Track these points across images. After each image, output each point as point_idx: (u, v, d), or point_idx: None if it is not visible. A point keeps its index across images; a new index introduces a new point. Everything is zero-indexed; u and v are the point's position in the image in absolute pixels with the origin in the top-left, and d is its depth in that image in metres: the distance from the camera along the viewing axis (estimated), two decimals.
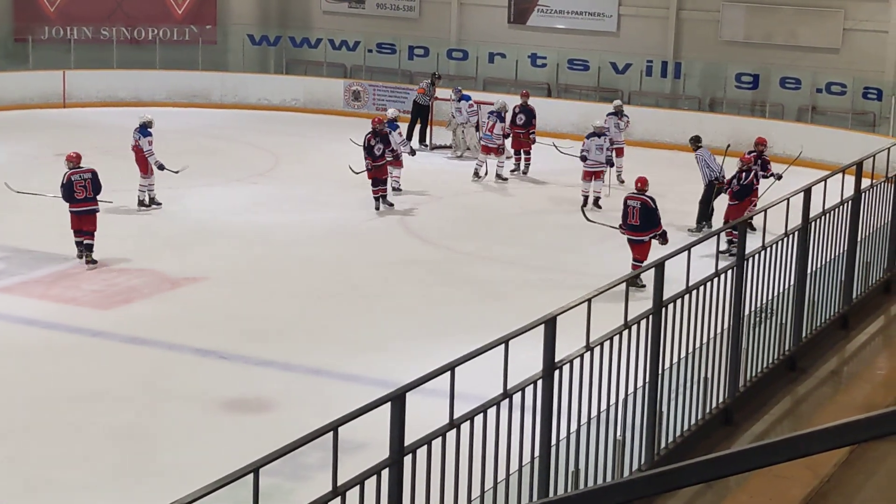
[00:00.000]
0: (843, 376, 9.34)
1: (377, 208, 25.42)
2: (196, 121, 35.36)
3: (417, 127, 33.01)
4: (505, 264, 22.82)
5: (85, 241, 21.57)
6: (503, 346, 6.34)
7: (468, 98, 32.12)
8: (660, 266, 7.56)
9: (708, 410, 8.42)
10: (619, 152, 29.05)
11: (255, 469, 5.03)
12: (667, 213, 25.62)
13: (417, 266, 22.61)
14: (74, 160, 21.69)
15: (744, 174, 22.89)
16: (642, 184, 21.33)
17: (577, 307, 7.01)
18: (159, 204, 25.53)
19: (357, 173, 26.08)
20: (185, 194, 26.42)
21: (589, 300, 6.90)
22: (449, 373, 5.97)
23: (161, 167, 25.15)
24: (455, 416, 6.16)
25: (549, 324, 6.60)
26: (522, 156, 29.96)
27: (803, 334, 9.51)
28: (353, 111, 37.45)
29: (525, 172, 29.64)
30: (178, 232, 23.82)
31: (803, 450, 2.55)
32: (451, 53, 38.90)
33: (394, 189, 27.22)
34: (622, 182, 27.99)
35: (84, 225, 21.58)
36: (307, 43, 40.29)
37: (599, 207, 26.18)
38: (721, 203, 23.72)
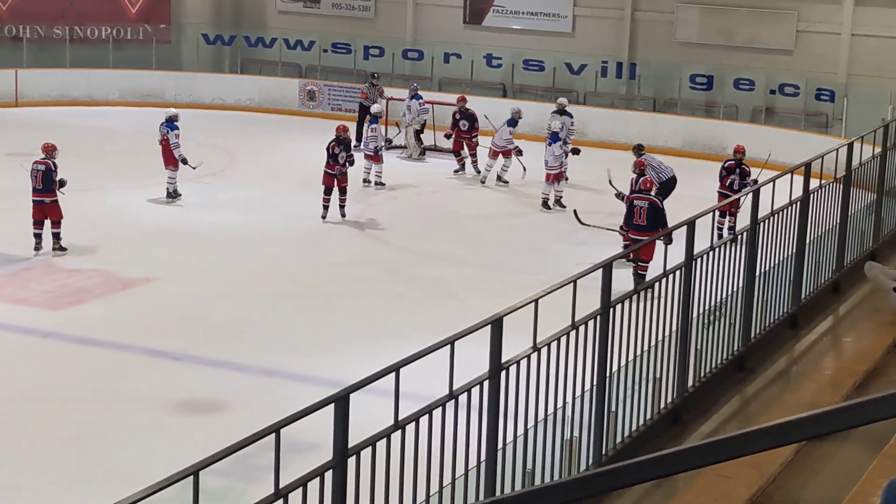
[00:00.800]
0: (791, 376, 9.38)
1: (323, 217, 25.05)
2: (150, 120, 35.00)
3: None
4: (459, 264, 22.83)
5: (52, 230, 21.91)
6: (450, 346, 6.32)
7: (420, 97, 32.09)
8: (607, 266, 7.57)
9: (657, 410, 8.43)
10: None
11: (196, 470, 4.99)
12: (621, 214, 25.78)
13: (371, 266, 22.58)
14: (43, 150, 22.17)
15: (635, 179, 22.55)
16: (650, 184, 21.45)
17: (525, 307, 7.00)
18: (179, 195, 26.33)
19: (194, 168, 26.50)
20: (139, 194, 26.29)
21: (536, 300, 6.90)
22: (394, 373, 5.94)
23: (184, 161, 26.13)
24: (400, 417, 6.14)
25: (496, 324, 6.58)
26: (468, 159, 30.03)
27: (752, 335, 9.54)
28: (308, 111, 37.38)
29: (479, 174, 29.69)
30: (130, 232, 23.68)
31: (749, 448, 2.56)
32: (407, 53, 38.87)
33: (377, 184, 27.92)
34: (566, 180, 28.14)
35: (36, 215, 21.85)
36: (262, 42, 40.15)
37: (563, 207, 26.29)
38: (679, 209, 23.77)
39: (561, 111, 29.66)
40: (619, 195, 22.52)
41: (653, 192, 21.28)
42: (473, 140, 30.03)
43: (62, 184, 22.07)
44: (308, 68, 39.40)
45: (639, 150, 25.87)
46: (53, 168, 22.08)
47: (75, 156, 25.67)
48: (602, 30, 36.88)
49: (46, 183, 21.90)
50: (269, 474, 12.15)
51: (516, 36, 37.76)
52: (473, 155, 30.13)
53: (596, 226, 22.70)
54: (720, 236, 9.31)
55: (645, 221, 20.72)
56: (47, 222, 21.97)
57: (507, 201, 27.35)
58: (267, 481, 12.09)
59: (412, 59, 38.82)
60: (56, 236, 22.00)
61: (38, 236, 21.93)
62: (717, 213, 19.84)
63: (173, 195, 26.36)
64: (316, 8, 40.19)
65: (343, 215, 25.16)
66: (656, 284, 8.28)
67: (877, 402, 2.45)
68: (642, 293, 8.33)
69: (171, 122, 26.47)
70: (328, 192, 25.07)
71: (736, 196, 18.85)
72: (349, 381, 15.85)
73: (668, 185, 25.16)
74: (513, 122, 29.03)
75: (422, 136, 32.11)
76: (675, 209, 23.73)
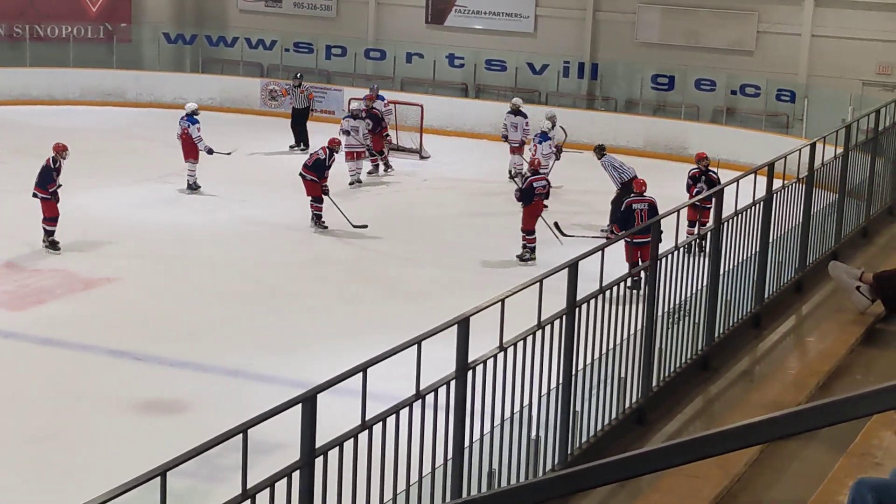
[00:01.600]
0: (755, 376, 9.41)
1: (324, 225, 24.88)
2: (111, 119, 35.01)
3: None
4: (420, 264, 22.84)
5: (42, 225, 22.19)
6: (416, 346, 6.31)
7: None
8: (573, 266, 7.57)
9: (622, 410, 8.45)
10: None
11: (164, 471, 4.97)
12: (582, 213, 25.88)
13: (333, 265, 22.57)
14: (53, 149, 22.54)
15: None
16: (645, 186, 21.56)
17: (491, 307, 7.00)
18: (199, 187, 27.20)
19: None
20: (101, 193, 26.17)
21: (502, 300, 6.90)
22: (361, 373, 5.93)
23: (210, 151, 27.17)
24: (367, 418, 6.13)
25: (462, 324, 6.58)
26: (379, 157, 30.09)
27: (716, 334, 9.57)
28: (269, 110, 37.26)
29: (386, 171, 29.99)
30: (92, 232, 23.55)
31: (716, 449, 2.56)
32: (369, 53, 38.83)
33: (360, 181, 28.39)
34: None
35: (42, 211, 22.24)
36: (223, 42, 40.03)
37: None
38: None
39: (515, 111, 29.72)
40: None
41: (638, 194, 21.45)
42: (385, 137, 29.91)
43: (55, 193, 22.23)
44: (270, 68, 39.30)
45: (600, 150, 25.96)
46: (53, 166, 22.24)
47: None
48: (564, 30, 36.95)
49: (41, 179, 22.19)
50: (232, 474, 12.11)
51: (478, 36, 37.78)
52: (381, 152, 30.02)
53: (579, 235, 22.67)
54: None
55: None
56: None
57: (470, 201, 27.33)
58: (230, 481, 12.07)
59: (374, 59, 38.78)
60: (46, 233, 22.18)
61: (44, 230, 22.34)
62: (687, 223, 19.78)
63: (194, 187, 27.22)
64: (278, 7, 40.10)
65: (322, 224, 24.87)
66: (621, 284, 8.29)
67: (844, 402, 2.46)
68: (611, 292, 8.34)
69: (191, 117, 27.49)
70: (319, 200, 24.89)
71: (693, 200, 18.74)
72: (312, 380, 15.80)
73: (629, 186, 25.26)
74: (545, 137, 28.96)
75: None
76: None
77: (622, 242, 18.90)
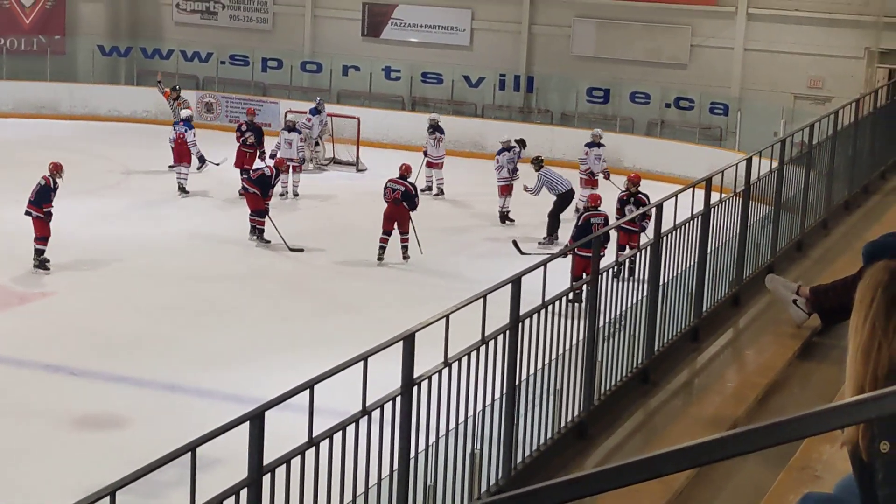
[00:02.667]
0: (695, 389, 9.50)
1: (265, 240, 24.74)
2: (44, 132, 34.72)
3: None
4: (357, 277, 22.84)
5: (34, 245, 22.14)
6: (363, 362, 6.33)
7: (315, 112, 31.97)
8: (516, 281, 7.62)
9: (563, 424, 8.50)
10: (438, 166, 29.35)
11: (112, 492, 4.96)
12: (521, 226, 26.00)
13: (271, 279, 22.53)
14: (50, 169, 22.71)
15: None
16: (600, 200, 21.70)
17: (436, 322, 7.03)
18: (188, 193, 28.13)
19: (217, 164, 27.90)
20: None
21: (447, 316, 6.93)
22: (308, 390, 5.95)
23: (202, 158, 28.41)
24: (314, 434, 6.14)
25: (408, 340, 6.61)
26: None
27: (656, 347, 9.65)
28: (205, 123, 37.07)
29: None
30: (26, 246, 23.32)
31: (658, 470, 2.59)
32: (305, 66, 38.80)
33: (296, 194, 28.46)
34: (437, 194, 28.36)
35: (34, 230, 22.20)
36: (159, 54, 39.83)
37: (512, 221, 26.43)
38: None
39: (434, 127, 29.82)
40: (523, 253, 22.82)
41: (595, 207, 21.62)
42: (260, 156, 28.94)
43: (49, 213, 22.23)
44: (205, 80, 39.16)
45: (538, 162, 26.10)
46: (53, 187, 22.24)
47: None
48: (500, 43, 37.09)
49: (38, 198, 22.13)
50: (169, 490, 12.12)
51: (414, 49, 37.84)
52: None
53: (536, 253, 22.66)
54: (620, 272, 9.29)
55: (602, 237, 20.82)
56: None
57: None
58: (168, 498, 12.04)
59: (310, 72, 38.75)
60: (38, 252, 22.05)
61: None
62: (616, 246, 19.81)
63: (184, 191, 28.13)
64: (213, 20, 39.98)
65: (264, 239, 24.82)
66: (563, 298, 8.34)
67: (794, 421, 2.50)
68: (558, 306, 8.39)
69: (187, 122, 28.83)
70: (262, 214, 24.83)
71: (621, 222, 18.71)
72: (249, 394, 15.77)
73: (565, 198, 25.45)
74: (593, 144, 28.92)
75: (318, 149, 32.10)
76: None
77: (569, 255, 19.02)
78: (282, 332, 19.44)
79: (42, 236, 22.04)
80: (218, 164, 28.54)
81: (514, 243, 23.46)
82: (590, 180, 27.90)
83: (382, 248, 23.63)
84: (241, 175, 28.02)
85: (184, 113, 29.38)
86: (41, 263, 22.00)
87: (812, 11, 33.26)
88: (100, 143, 33.54)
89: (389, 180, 23.82)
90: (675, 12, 34.88)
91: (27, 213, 22.15)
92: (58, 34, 39.40)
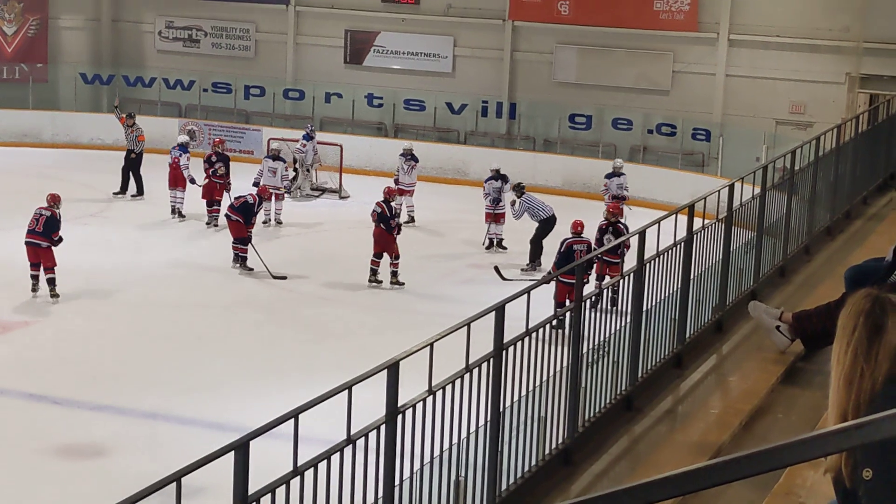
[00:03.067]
0: (679, 415, 9.50)
1: (248, 267, 24.72)
2: (27, 160, 34.66)
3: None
4: (340, 304, 22.83)
5: (46, 276, 22.01)
6: (347, 391, 6.33)
7: (308, 138, 32.03)
8: (500, 309, 7.63)
9: (548, 451, 8.50)
10: (409, 193, 29.36)
11: None
12: (507, 253, 26.03)
13: (253, 306, 22.49)
14: (49, 200, 22.73)
15: None
16: (582, 227, 21.64)
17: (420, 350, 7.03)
18: (184, 217, 28.58)
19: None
20: (17, 235, 25.86)
21: (431, 344, 6.94)
22: (293, 420, 5.94)
23: (193, 181, 28.36)
24: (299, 463, 6.13)
25: (392, 369, 6.61)
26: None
27: (639, 374, 9.66)
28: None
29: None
30: (8, 274, 23.27)
31: (646, 498, 2.60)
32: (288, 93, 38.83)
33: (279, 222, 28.48)
34: (407, 222, 28.36)
35: (31, 257, 22.13)
36: (141, 82, 39.84)
37: (504, 248, 26.45)
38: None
39: (406, 154, 29.87)
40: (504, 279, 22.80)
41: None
42: (227, 186, 28.30)
43: (60, 240, 22.24)
44: (188, 108, 39.17)
45: (519, 189, 26.15)
46: (59, 218, 22.33)
47: None
48: (482, 70, 37.18)
49: (47, 229, 22.11)
50: None
51: (397, 76, 37.91)
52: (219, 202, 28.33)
53: (518, 279, 22.56)
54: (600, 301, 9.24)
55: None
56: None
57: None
58: None
59: (293, 99, 38.79)
60: (51, 282, 22.01)
61: (34, 278, 22.08)
62: (595, 276, 19.78)
63: (179, 214, 28.59)
64: (196, 47, 40.01)
65: (247, 267, 24.89)
66: (546, 325, 8.36)
67: (777, 449, 2.51)
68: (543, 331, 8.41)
69: (183, 147, 29.09)
70: (245, 241, 24.85)
71: (599, 252, 18.65)
72: (231, 422, 15.71)
73: (547, 224, 25.47)
74: (613, 175, 29.09)
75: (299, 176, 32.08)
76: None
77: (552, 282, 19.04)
78: (266, 359, 19.40)
79: (52, 266, 22.03)
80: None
81: (497, 269, 23.45)
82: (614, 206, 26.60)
83: (373, 271, 23.67)
84: (208, 207, 28.00)
85: (181, 138, 29.81)
86: (55, 293, 21.99)
87: (793, 37, 33.42)
88: (82, 171, 33.49)
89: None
90: (657, 38, 35.01)
91: (34, 245, 22.11)
92: (40, 62, 39.37)
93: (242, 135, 36.68)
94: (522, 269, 25.02)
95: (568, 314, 8.82)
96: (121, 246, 26.14)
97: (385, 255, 23.78)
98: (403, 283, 23.73)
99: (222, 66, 39.51)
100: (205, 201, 28.19)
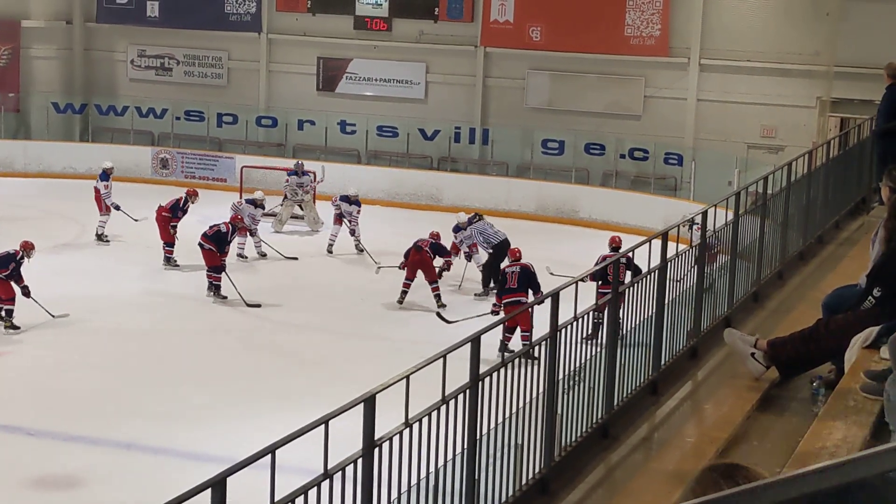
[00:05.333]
0: (654, 443, 9.50)
1: (222, 295, 24.71)
2: None
3: None
4: (315, 332, 22.81)
5: (4, 307, 22.02)
6: (324, 425, 6.32)
7: (306, 174, 31.74)
8: (476, 340, 7.64)
9: (524, 481, 8.49)
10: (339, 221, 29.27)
11: None
12: (466, 278, 26.01)
13: (227, 335, 22.46)
14: (21, 246, 22.55)
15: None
16: (520, 254, 21.75)
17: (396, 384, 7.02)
18: (108, 241, 28.77)
19: (136, 220, 27.89)
20: None
21: (407, 377, 6.94)
22: (270, 455, 5.93)
23: (117, 207, 28.70)
24: (276, 499, 6.12)
25: (368, 402, 6.61)
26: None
27: (615, 401, 9.67)
28: (161, 179, 37.03)
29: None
30: None
31: None
32: (261, 121, 38.83)
33: (240, 256, 27.79)
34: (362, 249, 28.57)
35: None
36: (113, 110, 39.77)
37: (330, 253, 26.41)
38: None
39: (349, 199, 29.41)
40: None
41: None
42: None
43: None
44: (161, 136, 39.12)
45: (473, 218, 26.16)
46: (18, 259, 22.16)
47: None
48: (454, 96, 37.26)
49: (3, 261, 21.99)
50: None
51: (370, 103, 37.94)
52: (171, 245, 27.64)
53: (463, 319, 22.22)
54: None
55: (516, 284, 21.07)
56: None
57: (366, 269, 27.29)
58: None
59: (266, 126, 38.79)
60: (8, 313, 21.92)
61: None
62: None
63: (101, 238, 28.86)
64: (168, 76, 39.97)
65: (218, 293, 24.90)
66: (522, 356, 8.36)
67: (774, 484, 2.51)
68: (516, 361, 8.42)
69: (103, 173, 29.29)
70: (219, 270, 24.86)
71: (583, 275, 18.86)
72: (206, 452, 15.65)
73: (500, 248, 25.45)
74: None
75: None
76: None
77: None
78: (240, 387, 19.36)
79: (9, 297, 21.94)
80: (136, 220, 28.53)
81: (438, 315, 22.98)
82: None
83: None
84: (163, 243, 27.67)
85: (104, 164, 30.08)
86: (12, 325, 21.92)
87: (764, 62, 33.61)
88: (55, 200, 33.40)
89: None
90: (629, 64, 35.15)
91: None
92: (12, 91, 39.28)
93: (215, 163, 36.65)
94: (476, 295, 25.10)
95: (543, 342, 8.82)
96: (94, 274, 26.06)
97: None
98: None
99: (195, 94, 39.47)
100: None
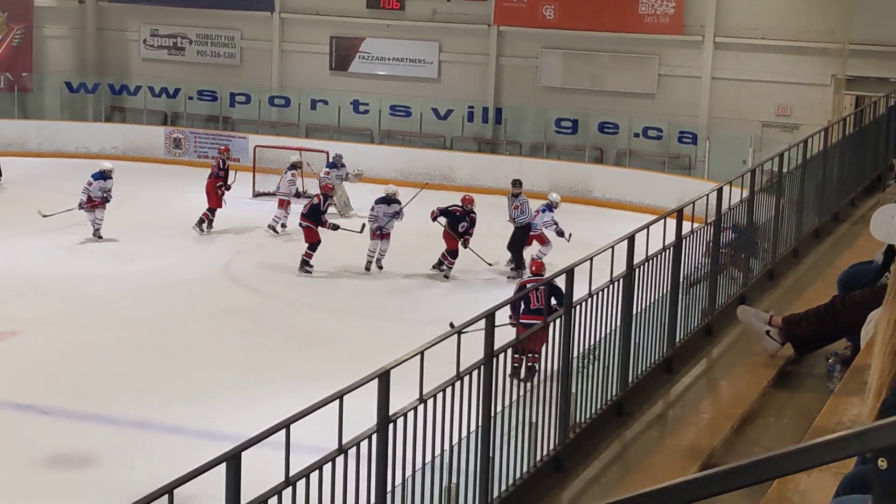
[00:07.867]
0: (669, 420, 9.48)
1: (307, 270, 25.28)
2: (12, 170, 34.53)
3: None
4: (328, 311, 22.80)
5: None
6: (338, 400, 6.30)
7: (332, 166, 31.68)
8: (490, 316, 7.61)
9: (539, 458, 8.47)
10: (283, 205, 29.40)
11: None
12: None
13: (239, 314, 22.44)
14: None
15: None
16: (539, 268, 21.15)
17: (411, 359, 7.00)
18: (101, 237, 27.47)
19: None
20: (1, 245, 25.82)
21: (422, 353, 6.91)
22: (285, 430, 5.91)
23: (81, 206, 27.52)
24: (291, 474, 6.10)
25: (383, 378, 6.58)
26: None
27: (630, 379, 9.63)
28: (174, 158, 37.08)
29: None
30: None
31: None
32: (273, 100, 38.80)
33: (283, 226, 28.69)
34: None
35: None
36: (126, 90, 39.78)
37: (381, 268, 26.00)
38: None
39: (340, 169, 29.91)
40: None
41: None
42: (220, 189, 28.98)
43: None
44: (173, 115, 39.13)
45: (517, 185, 26.16)
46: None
47: None
48: (467, 75, 37.19)
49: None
50: None
51: (382, 82, 37.90)
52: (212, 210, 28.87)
53: (470, 322, 22.08)
54: None
55: (543, 304, 20.41)
56: None
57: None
58: None
59: (278, 106, 38.76)
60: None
61: None
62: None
63: (96, 235, 27.73)
64: (181, 55, 39.96)
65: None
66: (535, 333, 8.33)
67: (786, 455, 2.47)
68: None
69: (99, 173, 28.28)
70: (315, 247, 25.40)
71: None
72: (220, 431, 15.66)
73: (526, 230, 25.45)
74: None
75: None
76: (551, 253, 24.02)
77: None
78: (254, 367, 19.36)
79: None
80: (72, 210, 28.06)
81: (451, 325, 22.86)
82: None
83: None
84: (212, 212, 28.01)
85: (103, 165, 29.17)
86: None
87: (778, 40, 33.48)
88: (68, 180, 33.35)
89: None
90: (643, 42, 35.04)
91: None
92: (25, 71, 39.28)
93: (228, 142, 36.60)
94: (508, 277, 25.04)
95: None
96: (107, 255, 26.06)
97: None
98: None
99: (207, 74, 39.46)
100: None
